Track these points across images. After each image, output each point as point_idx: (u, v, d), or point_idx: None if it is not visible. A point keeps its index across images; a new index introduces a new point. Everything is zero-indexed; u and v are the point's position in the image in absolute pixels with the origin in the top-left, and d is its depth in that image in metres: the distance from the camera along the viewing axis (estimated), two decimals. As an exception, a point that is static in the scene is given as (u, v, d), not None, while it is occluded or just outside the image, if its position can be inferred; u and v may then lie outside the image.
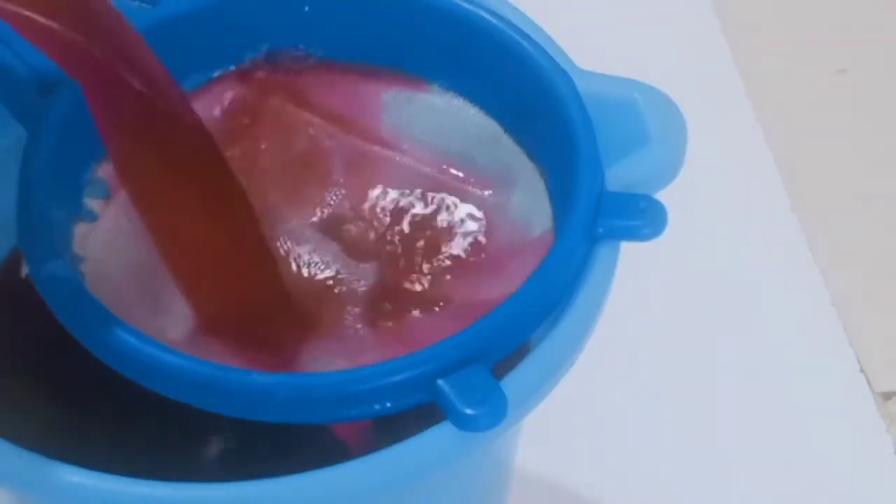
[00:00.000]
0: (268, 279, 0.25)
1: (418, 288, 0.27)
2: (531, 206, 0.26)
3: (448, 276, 0.27)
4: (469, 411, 0.20)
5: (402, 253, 0.27)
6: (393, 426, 0.22)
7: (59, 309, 0.22)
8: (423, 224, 0.28)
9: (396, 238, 0.28)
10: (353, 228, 0.28)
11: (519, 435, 0.29)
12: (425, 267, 0.27)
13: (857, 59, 0.54)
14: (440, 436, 0.21)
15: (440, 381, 0.21)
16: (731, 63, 0.52)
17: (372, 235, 0.28)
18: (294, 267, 0.27)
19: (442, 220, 0.28)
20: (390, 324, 0.26)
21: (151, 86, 0.22)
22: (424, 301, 0.26)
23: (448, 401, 0.21)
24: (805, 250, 0.46)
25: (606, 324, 0.24)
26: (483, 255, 0.27)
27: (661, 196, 0.24)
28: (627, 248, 0.24)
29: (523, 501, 0.36)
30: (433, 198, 0.28)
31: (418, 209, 0.28)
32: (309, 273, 0.27)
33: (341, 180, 0.28)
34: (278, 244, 0.27)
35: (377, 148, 0.28)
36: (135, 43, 0.22)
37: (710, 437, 0.40)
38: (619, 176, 0.24)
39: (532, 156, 0.27)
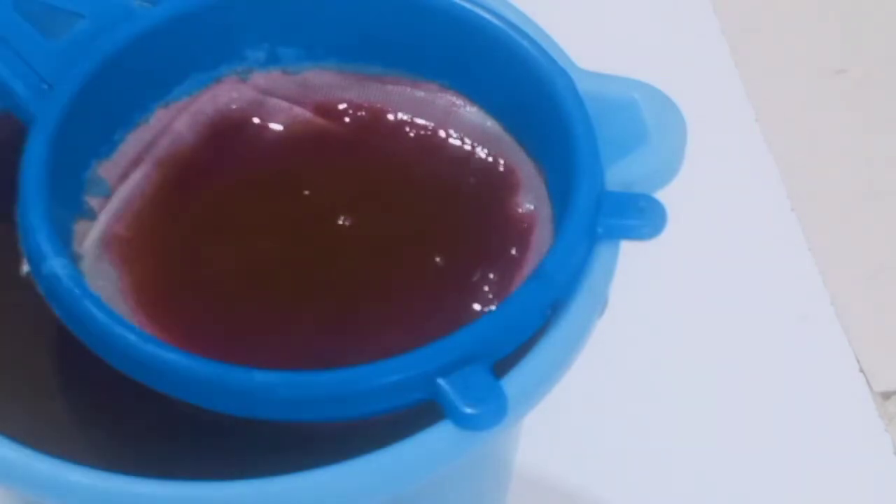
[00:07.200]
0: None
1: (418, 284, 0.27)
2: (531, 205, 0.26)
3: (448, 274, 0.27)
4: (469, 410, 0.20)
5: (403, 249, 0.27)
6: (393, 426, 0.22)
7: (60, 307, 0.22)
8: (425, 221, 0.28)
9: (397, 234, 0.28)
10: (355, 224, 0.28)
11: (519, 434, 0.29)
12: (426, 264, 0.27)
13: (856, 59, 0.54)
14: (440, 435, 0.21)
15: (440, 380, 0.21)
16: (731, 63, 0.52)
17: (373, 231, 0.28)
18: (295, 258, 0.27)
19: (443, 217, 0.28)
20: (386, 317, 0.26)
21: None
22: (424, 298, 0.26)
23: (448, 400, 0.21)
24: (805, 250, 0.46)
25: (606, 323, 0.24)
26: (484, 254, 0.27)
27: (661, 196, 0.24)
28: (627, 248, 0.24)
29: (523, 501, 0.36)
30: (435, 196, 0.28)
31: (420, 207, 0.28)
32: (310, 262, 0.27)
33: (344, 178, 0.28)
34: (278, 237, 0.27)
35: (380, 146, 0.28)
36: None
37: (710, 437, 0.40)
38: (618, 175, 0.24)
39: (532, 155, 0.27)
